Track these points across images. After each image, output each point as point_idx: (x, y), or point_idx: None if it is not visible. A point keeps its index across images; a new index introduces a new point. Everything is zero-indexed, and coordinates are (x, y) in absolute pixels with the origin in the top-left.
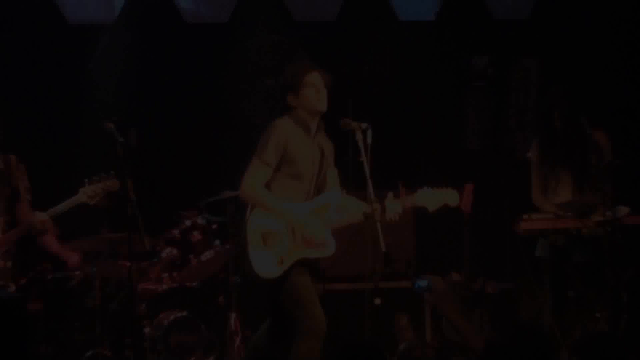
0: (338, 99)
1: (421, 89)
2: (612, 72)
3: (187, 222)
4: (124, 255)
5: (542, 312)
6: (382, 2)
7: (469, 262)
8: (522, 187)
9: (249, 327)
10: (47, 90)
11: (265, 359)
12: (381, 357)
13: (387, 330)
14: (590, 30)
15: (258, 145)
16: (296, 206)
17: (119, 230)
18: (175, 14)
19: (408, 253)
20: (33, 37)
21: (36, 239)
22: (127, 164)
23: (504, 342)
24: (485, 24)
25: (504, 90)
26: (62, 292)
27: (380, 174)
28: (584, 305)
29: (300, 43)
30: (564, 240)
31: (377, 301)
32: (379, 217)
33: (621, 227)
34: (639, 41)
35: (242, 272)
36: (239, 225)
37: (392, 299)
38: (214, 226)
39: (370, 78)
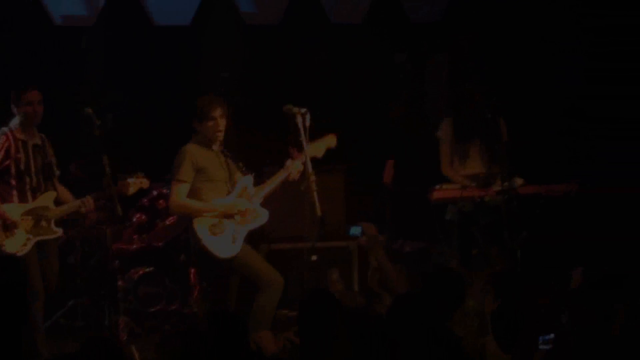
0: (282, 89)
1: (354, 83)
2: (510, 66)
3: (154, 192)
4: (101, 220)
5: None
6: (317, 9)
7: (390, 225)
8: (434, 162)
9: (205, 280)
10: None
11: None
12: (337, 304)
13: (321, 283)
14: (494, 30)
15: (173, 169)
16: (221, 199)
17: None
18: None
19: (339, 217)
20: (20, 34)
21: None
22: (103, 143)
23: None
24: (405, 26)
25: (420, 81)
26: None
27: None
28: (486, 261)
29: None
30: (470, 206)
31: (314, 258)
32: (315, 188)
33: (517, 196)
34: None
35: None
36: None
37: (326, 256)
38: None
39: (307, 68)
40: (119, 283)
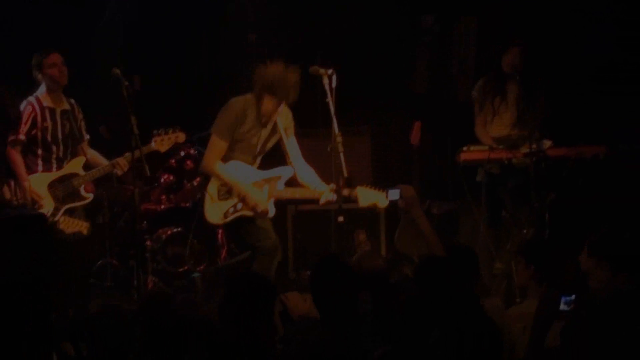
0: (308, 50)
1: (379, 42)
2: (539, 30)
3: (182, 153)
4: (129, 181)
5: (479, 228)
6: None
7: (417, 186)
8: (463, 124)
9: (233, 241)
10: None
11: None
12: (348, 269)
13: (349, 244)
14: None
15: (217, 121)
16: (249, 174)
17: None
18: None
19: (366, 179)
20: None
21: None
22: (131, 103)
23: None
24: None
25: (448, 44)
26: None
27: (345, 114)
28: (514, 223)
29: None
30: (498, 168)
31: (341, 219)
32: (342, 149)
33: (545, 158)
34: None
35: None
36: None
37: (353, 217)
38: None
39: (336, 33)
40: (147, 243)
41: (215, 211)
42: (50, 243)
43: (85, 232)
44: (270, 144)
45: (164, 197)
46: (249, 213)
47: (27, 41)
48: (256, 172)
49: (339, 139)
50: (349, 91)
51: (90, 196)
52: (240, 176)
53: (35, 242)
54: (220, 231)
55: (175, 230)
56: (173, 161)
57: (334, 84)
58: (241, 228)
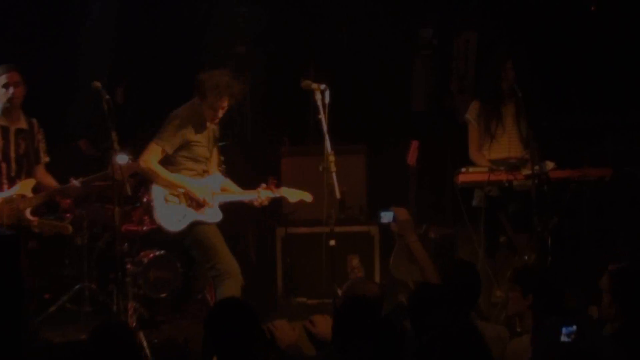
0: (301, 64)
1: (375, 56)
2: (542, 45)
3: None
4: (109, 200)
5: (477, 254)
6: None
7: (414, 210)
8: (461, 144)
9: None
10: (44, 55)
11: None
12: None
13: (341, 269)
14: (523, 6)
15: (160, 129)
16: (192, 180)
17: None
18: None
19: (360, 201)
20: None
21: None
22: (112, 117)
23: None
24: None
25: (447, 59)
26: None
27: (338, 131)
28: (514, 249)
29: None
30: (497, 191)
31: (332, 243)
32: (334, 168)
33: (547, 181)
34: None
35: None
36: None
37: (346, 241)
38: None
39: (330, 47)
40: (128, 267)
41: (168, 218)
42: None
43: (67, 232)
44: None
45: (146, 217)
46: (199, 216)
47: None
48: (194, 180)
49: (332, 158)
50: (343, 108)
51: (34, 219)
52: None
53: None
54: None
55: (158, 253)
56: None
57: (327, 100)
58: (200, 245)
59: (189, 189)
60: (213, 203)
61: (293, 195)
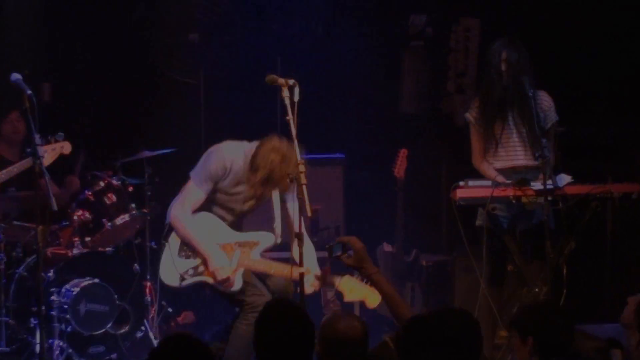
0: (266, 56)
1: (355, 47)
2: (558, 33)
3: (101, 184)
4: (32, 217)
5: (479, 286)
6: None
7: (402, 231)
8: (460, 153)
9: (166, 297)
10: None
11: None
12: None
13: (313, 303)
14: None
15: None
16: (220, 232)
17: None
18: None
19: (336, 221)
20: None
21: None
22: (34, 116)
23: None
24: None
25: (443, 52)
26: None
27: (311, 137)
28: (523, 280)
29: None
30: (503, 209)
31: (302, 270)
32: (304, 180)
33: (563, 197)
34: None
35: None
36: (157, 187)
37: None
38: (130, 188)
39: (300, 34)
40: (54, 298)
41: (172, 271)
42: None
43: (42, 235)
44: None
45: (76, 239)
46: (209, 279)
47: None
48: (229, 232)
49: (302, 167)
50: (318, 110)
51: None
52: (207, 232)
53: None
54: (148, 284)
55: (90, 281)
56: (90, 194)
57: (296, 98)
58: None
59: (209, 259)
60: (233, 280)
61: (355, 291)
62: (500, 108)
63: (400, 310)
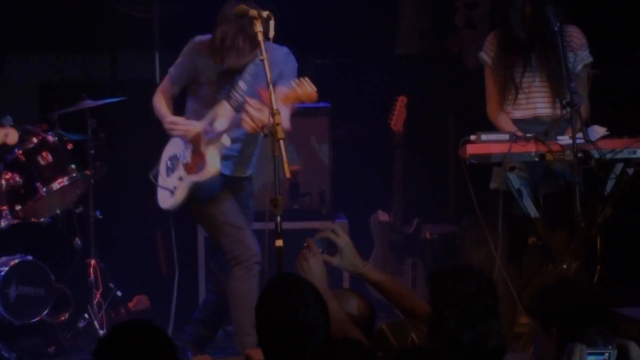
0: None
1: None
2: None
3: (34, 140)
4: None
5: (493, 263)
6: None
7: (401, 197)
8: (470, 101)
9: (113, 277)
10: None
11: None
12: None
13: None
14: None
15: None
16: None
17: None
18: None
19: (321, 184)
20: None
21: None
22: None
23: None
24: None
25: None
26: None
27: None
28: (548, 254)
29: None
30: (524, 169)
31: (279, 244)
32: (282, 134)
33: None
34: None
35: None
36: (102, 144)
37: (300, 243)
38: (69, 145)
39: None
40: None
41: (164, 193)
42: None
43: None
44: None
45: (4, 208)
46: (196, 177)
47: None
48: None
49: (278, 118)
50: (297, 50)
51: None
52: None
53: None
54: (92, 263)
55: (22, 259)
56: (20, 152)
57: (271, 34)
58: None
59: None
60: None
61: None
62: (522, 47)
63: (407, 304)
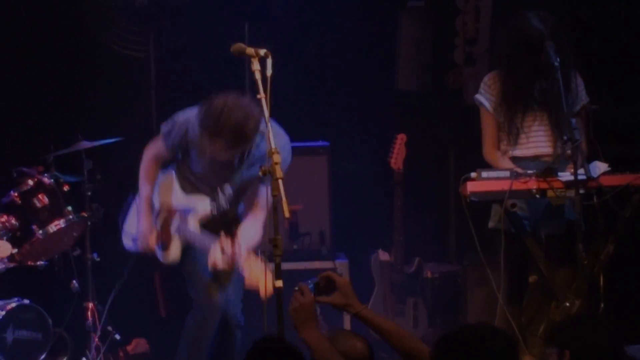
0: (231, 22)
1: (340, 9)
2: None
3: (30, 182)
4: None
5: (495, 301)
6: None
7: (401, 236)
8: (470, 138)
9: (111, 320)
10: None
11: None
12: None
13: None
14: None
15: None
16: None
17: None
18: None
19: (321, 224)
20: None
21: None
22: None
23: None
24: None
25: (449, 13)
26: None
27: (292, 124)
28: (550, 293)
29: None
30: (524, 206)
31: (278, 284)
32: (281, 174)
33: (598, 190)
34: None
35: None
36: (98, 185)
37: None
38: (65, 187)
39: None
40: None
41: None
42: None
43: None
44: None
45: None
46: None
47: None
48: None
49: (277, 157)
50: (296, 88)
51: None
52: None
53: None
54: (90, 306)
55: (18, 303)
56: (16, 195)
57: (269, 72)
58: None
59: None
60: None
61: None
62: (526, 87)
63: (405, 345)
